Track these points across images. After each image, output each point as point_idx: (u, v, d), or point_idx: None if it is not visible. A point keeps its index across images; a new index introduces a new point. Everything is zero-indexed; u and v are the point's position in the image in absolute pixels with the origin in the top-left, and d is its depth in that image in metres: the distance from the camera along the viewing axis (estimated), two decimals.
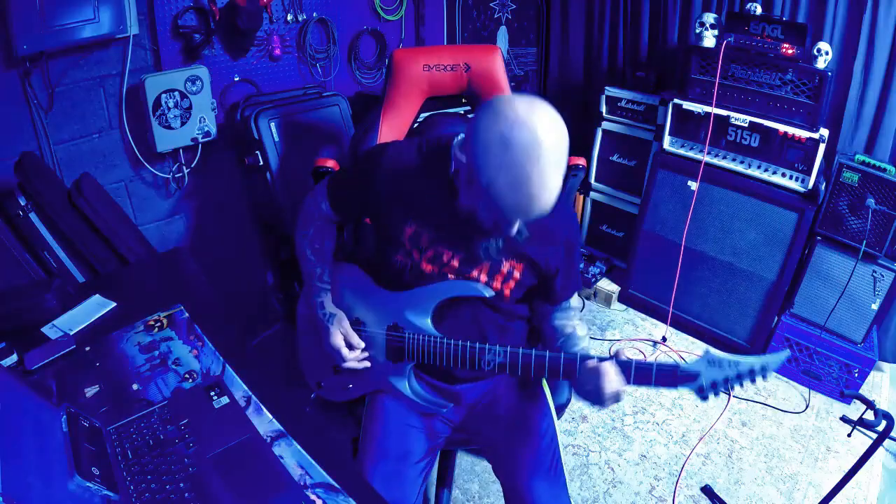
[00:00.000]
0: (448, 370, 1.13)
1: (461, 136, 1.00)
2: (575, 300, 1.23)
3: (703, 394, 0.96)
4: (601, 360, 0.99)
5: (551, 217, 0.96)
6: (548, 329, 1.20)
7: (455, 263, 1.08)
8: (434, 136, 1.09)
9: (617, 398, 0.98)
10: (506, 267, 1.09)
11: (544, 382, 1.29)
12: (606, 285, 2.69)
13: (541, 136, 0.84)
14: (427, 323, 1.09)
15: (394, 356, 1.14)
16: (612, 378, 0.96)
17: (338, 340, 1.12)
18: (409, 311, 1.10)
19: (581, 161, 1.52)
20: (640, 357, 2.34)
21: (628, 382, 0.98)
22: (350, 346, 1.14)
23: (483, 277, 1.09)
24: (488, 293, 1.08)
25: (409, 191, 1.06)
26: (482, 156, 0.86)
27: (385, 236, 1.12)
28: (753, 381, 0.94)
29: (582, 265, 2.76)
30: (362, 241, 1.46)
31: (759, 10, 2.09)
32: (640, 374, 0.98)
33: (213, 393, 1.00)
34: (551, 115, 0.87)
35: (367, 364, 1.16)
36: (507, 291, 1.11)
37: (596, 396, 0.98)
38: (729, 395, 0.94)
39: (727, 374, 0.94)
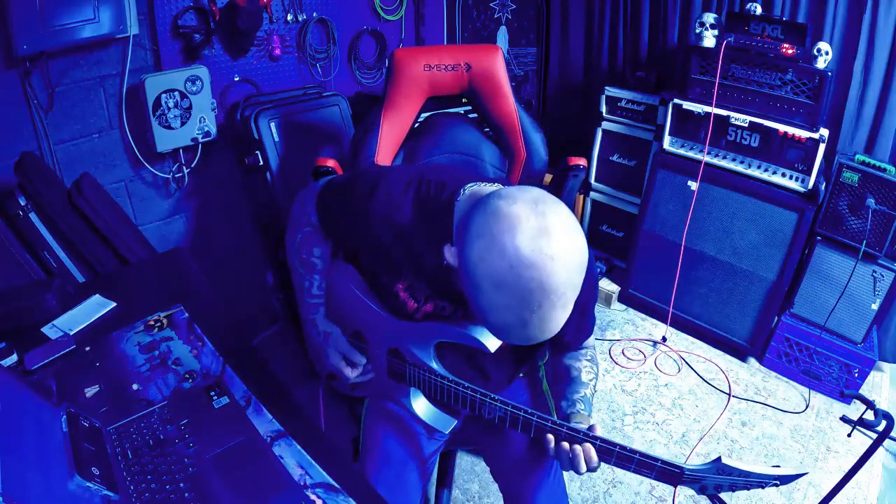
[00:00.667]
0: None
1: (467, 192, 0.87)
2: (590, 341, 1.15)
3: (703, 492, 0.94)
4: (585, 438, 0.94)
5: None
6: (558, 367, 1.15)
7: (458, 315, 1.01)
8: (436, 184, 0.91)
9: (592, 471, 0.95)
10: None
11: (545, 386, 1.28)
12: (606, 285, 2.69)
13: (548, 281, 0.68)
14: (430, 360, 1.02)
15: (396, 377, 1.10)
16: (588, 458, 0.94)
17: (337, 362, 1.08)
18: (411, 344, 1.04)
19: (581, 161, 1.52)
20: (639, 360, 2.34)
21: (617, 466, 0.95)
22: (352, 364, 1.09)
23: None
24: (492, 348, 0.96)
25: (405, 244, 0.93)
26: (474, 288, 0.73)
27: (379, 280, 1.05)
28: (763, 487, 0.90)
29: None
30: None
31: (759, 10, 2.09)
32: (640, 467, 0.95)
33: (213, 393, 1.00)
34: (566, 246, 0.69)
35: (372, 375, 1.12)
36: (506, 345, 1.02)
37: (568, 467, 0.96)
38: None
39: (734, 481, 0.90)
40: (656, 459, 0.90)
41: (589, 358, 1.13)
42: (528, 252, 0.67)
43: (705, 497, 0.96)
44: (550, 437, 0.95)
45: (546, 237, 0.68)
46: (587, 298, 0.99)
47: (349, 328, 1.13)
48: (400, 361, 1.06)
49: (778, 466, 0.89)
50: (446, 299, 1.00)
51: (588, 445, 0.93)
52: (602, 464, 0.98)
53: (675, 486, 0.93)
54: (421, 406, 1.09)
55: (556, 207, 0.71)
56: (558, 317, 0.72)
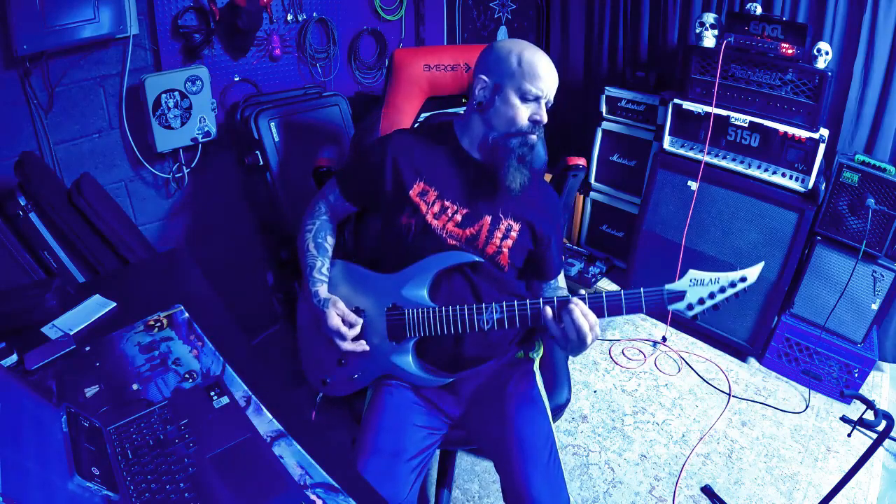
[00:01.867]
0: (450, 356, 1.21)
1: (458, 119, 1.25)
2: (562, 281, 1.34)
3: (691, 311, 1.04)
4: (574, 296, 1.06)
5: (548, 196, 1.29)
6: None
7: (458, 218, 1.19)
8: (436, 119, 1.27)
9: (595, 334, 1.05)
10: (504, 224, 1.20)
11: (539, 382, 1.30)
12: (606, 285, 2.69)
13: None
14: (424, 295, 1.16)
15: (396, 335, 1.18)
16: (584, 313, 1.04)
17: (335, 321, 1.16)
18: (405, 289, 1.17)
19: (581, 161, 1.52)
20: (638, 355, 2.35)
21: (611, 314, 1.06)
22: (349, 325, 1.18)
23: (483, 233, 1.19)
24: (477, 258, 1.17)
25: (418, 155, 1.21)
26: (504, 55, 1.14)
27: (394, 200, 1.20)
28: (737, 294, 1.03)
29: (582, 265, 2.76)
30: (362, 238, 1.46)
31: (759, 10, 2.09)
32: (630, 302, 1.05)
33: (213, 393, 1.00)
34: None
35: (366, 347, 1.19)
36: (505, 249, 1.20)
37: (576, 337, 1.04)
38: (716, 309, 1.04)
39: (711, 290, 1.02)
40: (638, 291, 1.04)
41: (564, 288, 1.33)
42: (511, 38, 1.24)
43: (697, 316, 1.06)
44: (548, 308, 1.07)
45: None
46: (563, 219, 1.35)
47: (350, 307, 1.21)
48: (398, 313, 1.17)
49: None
50: (451, 199, 1.19)
51: (577, 300, 1.05)
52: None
53: (667, 310, 1.04)
54: (416, 365, 1.19)
55: None
56: (543, 53, 1.15)
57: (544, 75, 1.13)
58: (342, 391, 1.27)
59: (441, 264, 1.17)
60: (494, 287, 1.22)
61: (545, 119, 1.15)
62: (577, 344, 1.05)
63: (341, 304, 1.18)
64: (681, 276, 1.04)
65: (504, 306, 1.10)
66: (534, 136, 1.17)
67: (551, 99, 1.17)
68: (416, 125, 1.62)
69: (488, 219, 1.19)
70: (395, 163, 1.20)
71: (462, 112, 1.27)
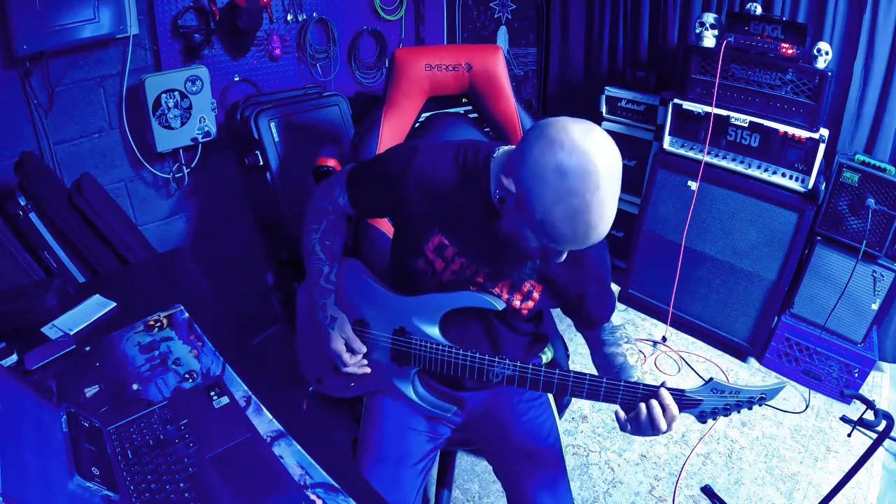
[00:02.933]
0: (454, 378, 1.12)
1: (500, 150, 0.99)
2: (617, 320, 1.19)
3: (702, 419, 0.99)
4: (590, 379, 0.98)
5: (571, 263, 1.00)
6: (599, 359, 1.18)
7: (479, 278, 1.06)
8: (472, 148, 1.02)
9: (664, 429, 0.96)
10: (527, 286, 1.08)
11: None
12: None
13: (598, 163, 0.80)
14: (436, 332, 1.07)
15: (399, 360, 1.12)
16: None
17: (339, 346, 1.09)
18: (416, 318, 1.08)
19: None
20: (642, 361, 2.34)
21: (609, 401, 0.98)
22: (352, 351, 1.11)
23: (504, 295, 1.07)
24: (500, 305, 1.05)
25: (441, 203, 1.01)
26: (536, 186, 0.82)
27: (406, 241, 1.09)
28: (750, 407, 0.98)
29: None
30: (364, 242, 1.45)
31: (759, 10, 2.09)
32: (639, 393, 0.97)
33: (213, 393, 1.00)
34: (607, 141, 0.84)
35: (368, 370, 1.13)
36: (524, 311, 1.10)
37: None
38: (726, 416, 0.99)
39: (727, 402, 0.97)
40: (658, 388, 0.96)
41: (626, 340, 1.16)
42: (582, 141, 0.81)
43: (705, 422, 1.01)
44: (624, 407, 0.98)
45: (592, 132, 0.84)
46: (602, 266, 1.10)
47: (353, 316, 1.15)
48: (405, 340, 1.09)
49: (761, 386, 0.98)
50: (475, 256, 1.04)
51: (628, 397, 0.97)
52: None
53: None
54: (419, 393, 1.13)
55: (596, 126, 0.87)
56: (612, 202, 0.84)
57: (575, 242, 0.86)
58: (336, 393, 1.26)
59: (459, 304, 1.07)
60: (512, 332, 1.15)
61: (560, 261, 0.95)
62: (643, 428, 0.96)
63: (348, 329, 1.11)
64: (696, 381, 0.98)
65: (518, 366, 1.01)
66: (540, 262, 1.01)
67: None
68: (419, 122, 1.62)
69: (508, 283, 1.07)
70: (410, 203, 1.03)
71: (488, 136, 1.15)
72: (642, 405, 0.95)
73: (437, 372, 1.08)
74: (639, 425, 0.95)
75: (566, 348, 1.55)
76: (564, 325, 1.48)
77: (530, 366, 1.01)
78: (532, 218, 0.85)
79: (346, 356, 1.10)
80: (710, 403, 0.97)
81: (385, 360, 1.14)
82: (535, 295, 1.09)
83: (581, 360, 2.34)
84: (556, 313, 1.34)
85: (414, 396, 1.13)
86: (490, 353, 1.05)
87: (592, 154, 0.81)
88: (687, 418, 0.99)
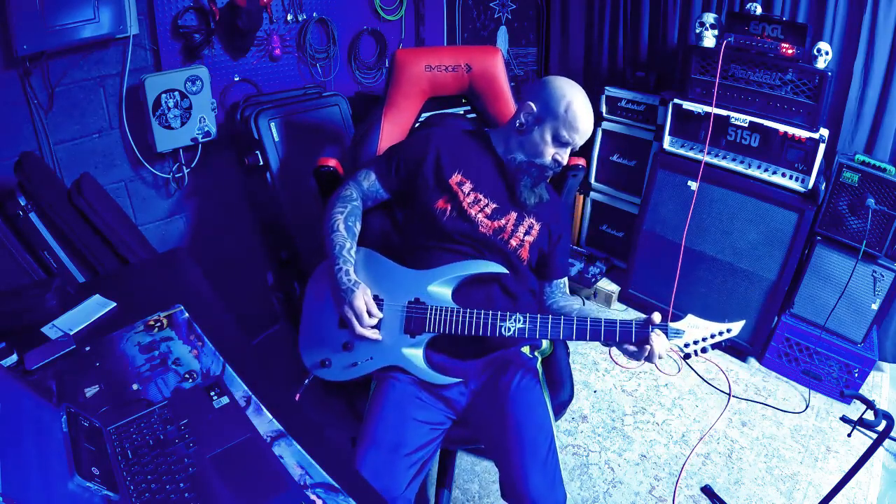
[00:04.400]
0: (459, 348, 1.26)
1: (492, 129, 1.41)
2: (565, 285, 1.45)
3: (687, 348, 1.20)
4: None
5: (559, 203, 1.43)
6: (553, 314, 1.30)
7: (488, 210, 1.29)
8: (466, 127, 1.47)
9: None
10: (527, 222, 1.32)
11: (541, 378, 1.31)
12: (606, 285, 2.69)
13: (581, 88, 1.28)
14: (448, 297, 1.23)
15: (414, 328, 1.21)
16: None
17: (360, 303, 1.18)
18: (432, 285, 1.22)
19: (581, 161, 1.52)
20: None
21: (610, 341, 1.20)
22: (369, 314, 1.20)
23: (509, 226, 1.30)
24: (504, 270, 1.26)
25: (459, 151, 1.32)
26: (557, 93, 1.25)
27: (434, 185, 1.30)
28: (723, 344, 1.23)
29: (582, 265, 2.76)
30: (365, 233, 1.45)
31: (759, 10, 2.09)
32: (639, 331, 1.19)
33: (213, 393, 1.00)
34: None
35: (379, 336, 1.21)
36: (526, 245, 1.31)
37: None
38: (704, 351, 1.23)
39: (703, 334, 1.20)
40: (644, 320, 1.20)
41: (568, 293, 1.45)
42: (568, 79, 1.30)
43: (688, 357, 1.29)
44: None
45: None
46: (568, 217, 1.48)
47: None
48: (422, 308, 1.21)
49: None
50: (486, 191, 1.30)
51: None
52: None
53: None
54: (425, 362, 1.22)
55: None
56: (590, 107, 1.27)
57: (582, 130, 1.25)
58: (339, 376, 1.26)
59: (472, 270, 1.24)
60: (517, 280, 1.31)
61: (566, 162, 1.29)
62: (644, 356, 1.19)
63: (369, 294, 1.21)
64: (676, 316, 1.20)
65: (528, 318, 1.18)
66: (550, 172, 1.31)
67: (578, 147, 1.29)
68: (419, 123, 1.63)
69: (514, 214, 1.31)
70: (438, 153, 1.31)
71: (469, 121, 1.40)
72: (653, 337, 1.17)
73: (453, 333, 1.19)
74: (649, 356, 1.16)
75: (566, 346, 1.56)
76: None
77: (539, 316, 1.18)
78: (557, 117, 1.24)
79: (366, 315, 1.19)
80: (691, 335, 1.21)
81: (397, 335, 1.22)
82: (534, 232, 1.32)
83: (581, 359, 2.34)
84: None
85: (423, 364, 1.22)
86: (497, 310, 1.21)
87: (577, 85, 1.29)
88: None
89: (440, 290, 1.22)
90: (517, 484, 1.12)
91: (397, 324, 1.22)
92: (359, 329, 1.19)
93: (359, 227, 1.32)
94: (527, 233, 1.31)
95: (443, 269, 1.24)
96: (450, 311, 1.20)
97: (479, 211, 1.29)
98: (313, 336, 1.29)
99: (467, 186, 1.29)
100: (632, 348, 1.18)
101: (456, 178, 1.29)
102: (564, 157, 1.28)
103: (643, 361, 1.17)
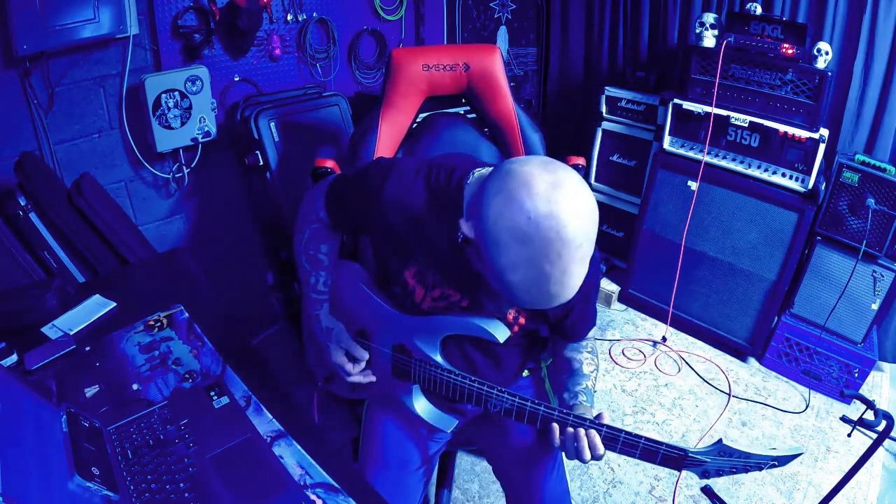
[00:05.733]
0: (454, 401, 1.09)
1: (475, 176, 0.91)
2: (591, 333, 1.17)
3: (706, 477, 0.95)
4: (591, 424, 0.94)
5: None
6: (559, 358, 1.16)
7: (464, 304, 1.02)
8: (446, 170, 0.94)
9: (597, 459, 0.95)
10: (511, 315, 1.04)
11: (548, 385, 1.28)
12: (606, 285, 2.69)
13: (566, 230, 0.71)
14: (436, 355, 1.02)
15: (399, 376, 1.09)
16: (593, 445, 0.94)
17: (339, 358, 1.07)
18: (417, 338, 1.04)
19: (580, 161, 1.52)
20: (641, 361, 2.34)
21: (622, 453, 0.96)
22: (354, 360, 1.08)
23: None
24: (501, 338, 0.99)
25: (414, 231, 0.97)
26: (493, 247, 0.75)
27: (387, 267, 1.05)
28: (760, 469, 0.92)
29: None
30: (364, 242, 1.45)
31: (759, 10, 2.08)
32: (645, 453, 0.95)
33: (213, 393, 1.00)
34: (579, 198, 0.73)
35: (373, 378, 1.11)
36: (517, 327, 1.06)
37: (574, 456, 0.96)
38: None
39: (734, 464, 0.92)
40: (660, 444, 0.92)
41: (590, 350, 1.13)
42: (545, 203, 0.70)
43: (707, 481, 0.96)
44: (555, 425, 0.95)
45: (559, 189, 0.72)
46: (590, 284, 0.96)
47: (354, 327, 1.12)
48: (405, 358, 1.06)
49: (775, 449, 0.91)
50: (454, 286, 1.01)
51: (593, 432, 0.93)
52: (602, 463, 0.98)
53: (679, 471, 0.93)
54: (423, 406, 1.09)
55: (565, 167, 0.76)
56: (577, 271, 0.74)
57: (537, 305, 0.79)
58: (344, 394, 1.26)
59: (459, 331, 1.02)
60: (511, 351, 1.13)
61: (525, 322, 0.96)
62: (572, 458, 0.96)
63: (346, 338, 1.07)
64: (703, 443, 0.95)
65: (516, 401, 0.97)
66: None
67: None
68: (417, 123, 1.62)
69: (490, 312, 1.02)
70: (389, 221, 0.97)
71: (480, 131, 1.10)
72: (578, 432, 0.93)
73: (436, 392, 1.05)
74: (564, 446, 0.95)
75: None
76: None
77: (529, 401, 0.97)
78: (491, 273, 0.78)
79: (349, 366, 1.07)
80: (715, 465, 0.92)
81: (387, 371, 1.11)
82: (521, 320, 1.05)
83: None
84: None
85: (416, 410, 1.09)
86: (491, 364, 1.04)
87: (557, 219, 0.70)
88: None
89: (426, 343, 1.02)
90: (525, 497, 1.10)
91: (386, 366, 1.10)
92: (348, 379, 1.09)
93: (325, 247, 1.11)
94: (511, 324, 1.03)
95: (429, 322, 1.03)
96: (434, 369, 1.02)
97: (450, 307, 1.02)
98: (313, 353, 1.26)
99: (430, 279, 1.01)
100: (556, 439, 0.95)
101: (412, 269, 1.01)
102: (522, 317, 0.94)
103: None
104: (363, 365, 1.08)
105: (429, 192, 0.95)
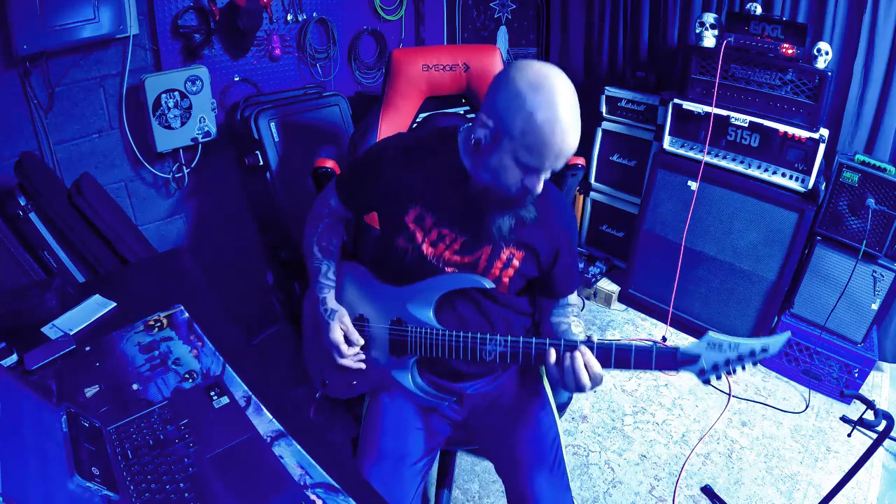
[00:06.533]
0: (451, 368, 1.16)
1: (465, 126, 1.11)
2: (574, 298, 1.23)
3: (704, 376, 0.98)
4: (582, 342, 1.00)
5: (552, 209, 1.11)
6: (546, 326, 1.21)
7: (456, 246, 1.09)
8: (435, 126, 1.13)
9: (597, 383, 1.00)
10: (506, 253, 1.10)
11: (545, 380, 1.29)
12: (606, 285, 2.69)
13: (562, 81, 0.93)
14: (429, 316, 1.11)
15: (397, 351, 1.15)
16: (588, 363, 0.99)
17: (337, 336, 1.14)
18: (411, 305, 1.12)
19: (581, 161, 1.52)
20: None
21: (618, 366, 1.00)
22: (350, 343, 1.16)
23: (482, 262, 1.10)
24: (488, 284, 1.09)
25: (416, 173, 1.10)
26: (514, 103, 0.92)
27: (390, 221, 1.14)
28: (755, 363, 0.96)
29: (582, 265, 2.76)
30: (362, 242, 1.46)
31: (759, 10, 2.08)
32: (639, 357, 0.99)
33: (213, 393, 1.00)
34: (560, 71, 0.96)
35: (363, 365, 1.17)
36: (505, 279, 1.12)
37: (574, 385, 0.99)
38: (730, 376, 1.03)
39: (728, 356, 0.96)
40: (650, 349, 0.98)
41: (576, 315, 1.20)
42: (544, 68, 0.94)
43: (710, 380, 0.99)
44: (552, 350, 1.01)
45: (550, 65, 0.96)
46: (569, 221, 1.17)
47: (354, 314, 1.19)
48: (402, 329, 1.13)
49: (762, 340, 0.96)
50: (451, 223, 1.10)
51: (585, 349, 0.99)
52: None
53: (677, 371, 0.97)
54: (416, 383, 1.16)
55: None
56: (577, 114, 0.94)
57: (553, 152, 0.93)
58: (341, 394, 1.27)
59: (448, 286, 1.11)
60: (502, 308, 1.16)
61: (538, 191, 1.00)
62: (574, 389, 1.01)
63: (347, 320, 1.16)
64: (698, 337, 0.98)
65: (508, 341, 1.05)
66: (529, 199, 1.03)
67: (558, 167, 0.98)
68: (416, 123, 1.62)
69: (488, 249, 1.09)
70: (389, 180, 1.10)
71: (469, 121, 1.17)
72: (567, 355, 0.99)
73: (433, 357, 1.11)
74: (563, 377, 1.00)
75: None
76: None
77: (521, 339, 1.04)
78: (513, 138, 0.93)
79: (343, 347, 1.14)
80: (709, 359, 0.96)
81: (385, 355, 1.16)
82: (516, 262, 1.11)
83: None
84: None
85: (412, 386, 1.16)
86: (482, 322, 1.10)
87: (556, 75, 0.94)
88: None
89: (420, 309, 1.11)
90: (524, 495, 1.11)
91: (384, 345, 1.16)
92: (339, 361, 1.15)
93: (336, 242, 1.24)
94: (505, 266, 1.11)
95: (420, 286, 1.12)
96: (429, 333, 1.09)
97: (446, 248, 1.09)
98: (313, 355, 1.29)
99: (428, 221, 1.09)
100: (553, 369, 1.01)
101: (413, 212, 1.09)
102: (537, 184, 0.98)
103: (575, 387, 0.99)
104: (357, 349, 1.16)
105: (426, 140, 1.14)
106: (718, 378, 0.98)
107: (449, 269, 1.10)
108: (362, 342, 1.16)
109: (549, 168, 0.97)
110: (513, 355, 1.05)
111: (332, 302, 1.18)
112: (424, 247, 1.10)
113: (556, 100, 0.91)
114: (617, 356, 0.99)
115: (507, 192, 1.01)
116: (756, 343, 0.94)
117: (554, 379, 1.02)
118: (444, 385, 1.20)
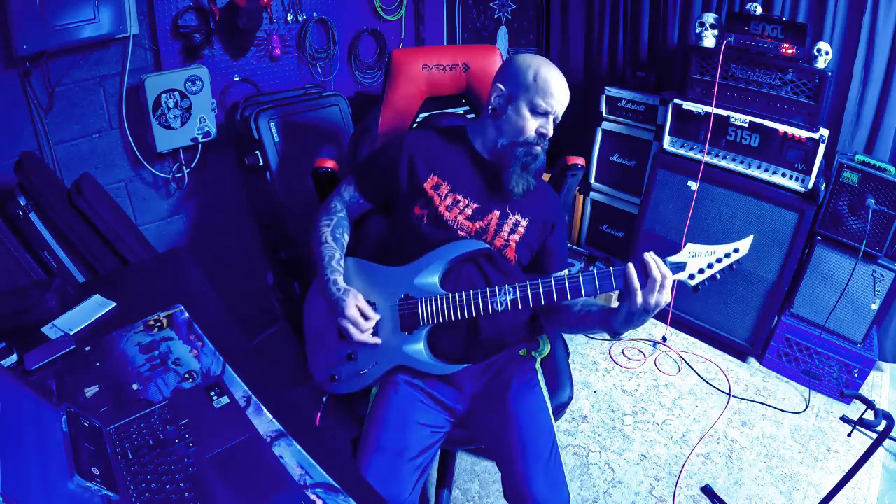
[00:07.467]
0: (463, 342, 1.23)
1: (471, 124, 1.34)
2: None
3: (693, 279, 1.08)
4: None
5: (547, 191, 1.35)
6: (563, 309, 1.27)
7: (469, 211, 1.24)
8: (442, 123, 1.38)
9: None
10: (512, 219, 1.26)
11: (541, 380, 1.31)
12: None
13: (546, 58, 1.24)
14: (436, 282, 1.20)
15: (409, 324, 1.20)
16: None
17: (353, 311, 1.17)
18: (417, 278, 1.20)
19: (580, 161, 1.52)
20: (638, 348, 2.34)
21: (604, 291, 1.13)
22: (365, 318, 1.19)
23: (492, 227, 1.24)
24: (484, 245, 1.22)
25: (433, 152, 1.27)
26: (521, 67, 1.20)
27: (408, 192, 1.26)
28: (731, 267, 1.09)
29: (582, 265, 2.76)
30: (363, 240, 1.46)
31: (759, 10, 2.09)
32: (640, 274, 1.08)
33: (213, 393, 1.00)
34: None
35: (378, 340, 1.21)
36: (511, 244, 1.25)
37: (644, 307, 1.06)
38: (713, 281, 1.10)
39: (710, 263, 1.08)
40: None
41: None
42: (539, 55, 1.25)
43: (698, 290, 1.12)
44: (630, 267, 1.08)
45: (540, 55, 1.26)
46: (562, 217, 1.36)
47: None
48: (411, 302, 1.20)
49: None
50: (463, 193, 1.25)
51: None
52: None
53: (669, 311, 1.08)
54: (428, 354, 1.21)
55: None
56: (562, 77, 1.22)
57: (556, 93, 1.19)
58: (350, 388, 1.27)
59: (452, 253, 1.21)
60: (504, 276, 1.25)
61: (551, 133, 1.21)
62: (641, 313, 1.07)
63: (361, 298, 1.20)
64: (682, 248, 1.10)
65: (517, 287, 1.13)
66: (538, 147, 1.23)
67: (560, 116, 1.22)
68: (417, 123, 1.63)
69: (497, 213, 1.25)
70: (410, 160, 1.26)
71: (473, 117, 1.29)
72: (649, 261, 1.05)
73: (445, 321, 1.17)
74: (651, 293, 1.04)
75: (566, 346, 1.56)
76: None
77: (528, 283, 1.13)
78: (528, 89, 1.19)
79: (361, 321, 1.18)
80: (695, 265, 1.08)
81: (397, 334, 1.21)
82: (521, 229, 1.26)
83: (581, 359, 2.34)
84: None
85: (426, 356, 1.20)
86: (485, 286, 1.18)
87: (537, 55, 1.25)
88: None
89: (426, 280, 1.20)
90: (520, 486, 1.13)
91: (393, 323, 1.22)
92: (357, 336, 1.18)
93: (347, 237, 1.31)
94: (512, 231, 1.26)
95: (424, 259, 1.22)
96: (439, 298, 1.18)
97: (459, 213, 1.24)
98: (318, 353, 1.30)
99: (444, 188, 1.25)
100: (638, 293, 1.05)
101: (431, 181, 1.25)
102: (549, 127, 1.21)
103: (653, 308, 1.05)
104: (373, 323, 1.20)
105: (439, 133, 1.32)
106: (705, 283, 1.09)
107: (462, 233, 1.23)
108: (377, 317, 1.21)
109: (556, 111, 1.20)
110: (523, 299, 1.13)
111: (342, 283, 1.22)
112: (441, 209, 1.23)
113: (549, 63, 1.22)
114: (615, 275, 1.10)
115: (526, 142, 1.20)
116: (729, 245, 1.08)
117: (635, 284, 1.06)
118: (449, 357, 1.24)
